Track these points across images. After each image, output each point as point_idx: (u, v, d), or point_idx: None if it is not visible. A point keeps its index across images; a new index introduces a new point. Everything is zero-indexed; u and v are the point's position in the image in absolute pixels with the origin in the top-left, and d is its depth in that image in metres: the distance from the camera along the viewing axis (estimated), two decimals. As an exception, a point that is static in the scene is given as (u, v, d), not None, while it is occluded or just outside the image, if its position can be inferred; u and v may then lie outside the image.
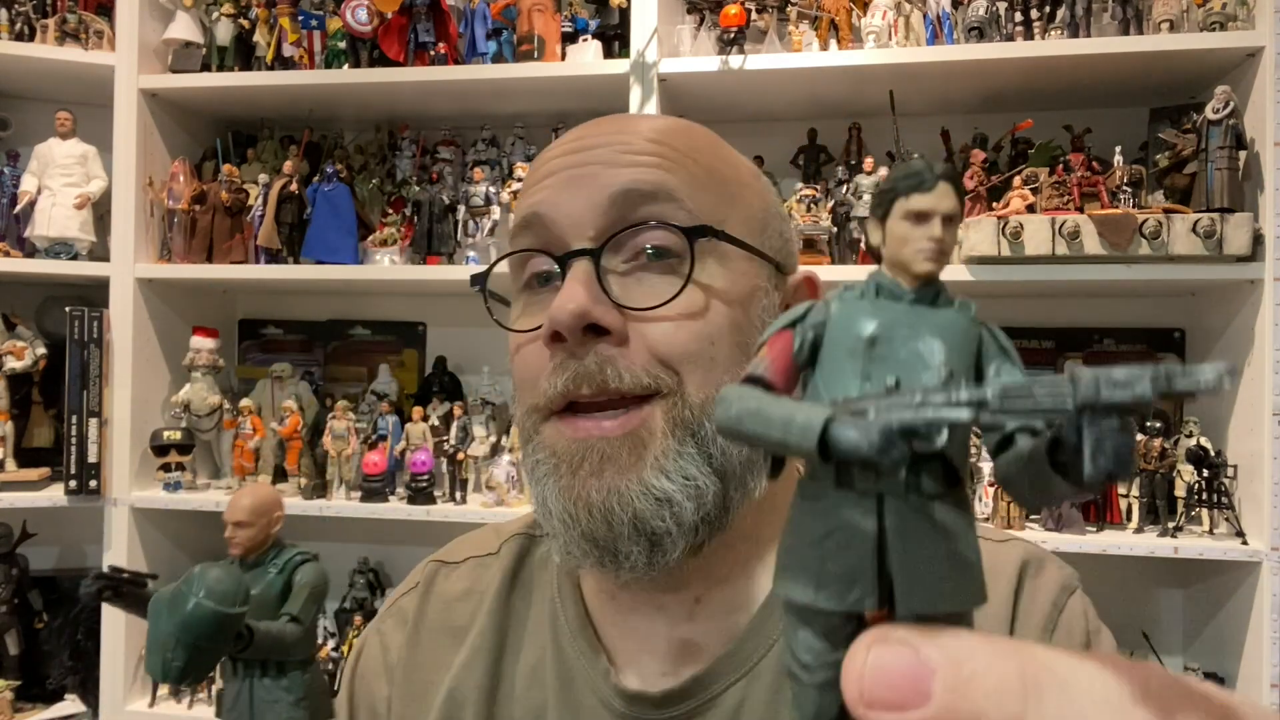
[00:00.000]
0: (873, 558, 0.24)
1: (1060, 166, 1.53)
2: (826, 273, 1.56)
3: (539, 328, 0.55)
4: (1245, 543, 1.45)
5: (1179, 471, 1.53)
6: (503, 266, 0.62)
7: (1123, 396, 0.21)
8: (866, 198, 1.64)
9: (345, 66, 1.77)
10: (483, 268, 0.63)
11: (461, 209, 1.77)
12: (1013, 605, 0.58)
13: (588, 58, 1.70)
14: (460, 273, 1.73)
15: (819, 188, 1.67)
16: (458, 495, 1.72)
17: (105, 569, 1.01)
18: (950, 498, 0.24)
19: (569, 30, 1.74)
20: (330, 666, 1.76)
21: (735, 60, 1.60)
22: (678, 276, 0.55)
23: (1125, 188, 1.50)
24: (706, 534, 0.54)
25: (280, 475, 1.82)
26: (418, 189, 1.80)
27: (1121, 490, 1.57)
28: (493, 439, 1.74)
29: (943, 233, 0.26)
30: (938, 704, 0.21)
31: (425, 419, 1.77)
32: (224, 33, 1.82)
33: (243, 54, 1.84)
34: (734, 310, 0.56)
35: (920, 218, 0.26)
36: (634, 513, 0.52)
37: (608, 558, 0.54)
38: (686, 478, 0.53)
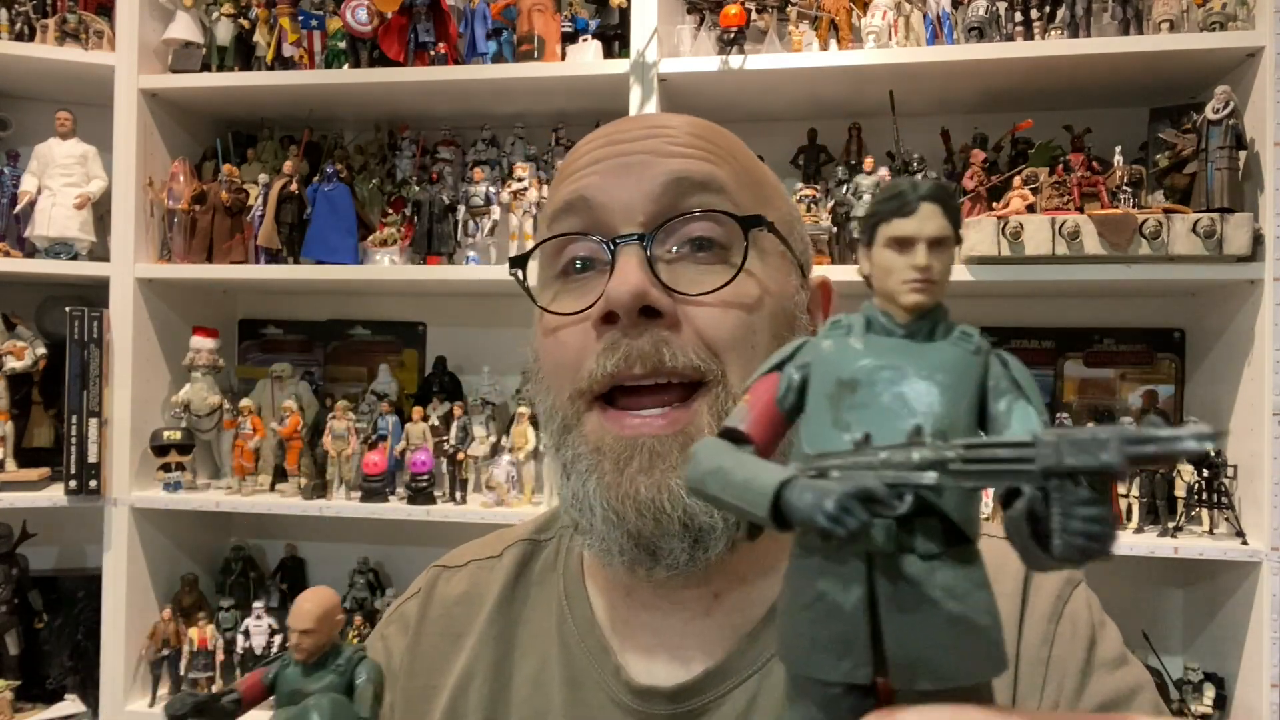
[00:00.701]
0: (864, 626, 0.21)
1: (1060, 166, 1.53)
2: (825, 273, 1.56)
3: (580, 311, 0.56)
4: (1245, 543, 1.45)
5: (1179, 471, 1.53)
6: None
7: (1087, 463, 0.19)
8: (867, 198, 1.63)
9: (345, 66, 1.77)
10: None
11: (461, 209, 1.77)
12: (1022, 597, 0.59)
13: (588, 58, 1.70)
14: (460, 273, 1.73)
15: (819, 188, 1.67)
16: (458, 495, 1.72)
17: (188, 696, 1.05)
18: (953, 556, 0.21)
19: (569, 30, 1.74)
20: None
21: (735, 60, 1.59)
22: (724, 265, 0.56)
23: (1125, 188, 1.50)
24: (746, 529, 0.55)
25: (280, 475, 1.82)
26: (418, 189, 1.80)
27: (1121, 490, 1.57)
28: (493, 439, 1.74)
29: (929, 259, 0.23)
30: None
31: (425, 419, 1.77)
32: (224, 33, 1.82)
33: (243, 54, 1.84)
34: (775, 303, 0.57)
35: (904, 244, 0.23)
36: (684, 509, 0.52)
37: (646, 556, 0.54)
38: None
